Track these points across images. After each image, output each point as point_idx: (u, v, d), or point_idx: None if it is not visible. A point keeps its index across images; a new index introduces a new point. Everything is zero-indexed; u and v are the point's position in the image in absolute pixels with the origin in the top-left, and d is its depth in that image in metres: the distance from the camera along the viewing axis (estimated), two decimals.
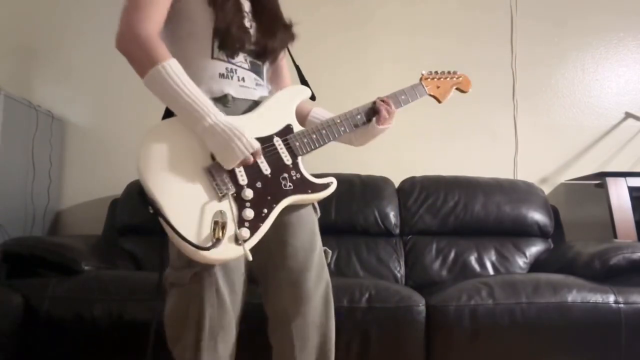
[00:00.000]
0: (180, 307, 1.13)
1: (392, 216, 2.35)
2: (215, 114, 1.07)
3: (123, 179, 2.41)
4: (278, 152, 1.17)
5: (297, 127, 1.22)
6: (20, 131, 2.35)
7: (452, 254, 2.27)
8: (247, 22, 1.23)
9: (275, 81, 1.39)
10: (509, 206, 2.34)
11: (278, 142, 1.18)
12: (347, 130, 1.27)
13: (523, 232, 2.34)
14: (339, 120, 1.26)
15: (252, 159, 1.10)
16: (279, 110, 1.23)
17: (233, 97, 1.19)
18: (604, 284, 1.73)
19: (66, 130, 2.69)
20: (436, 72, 1.43)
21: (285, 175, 1.16)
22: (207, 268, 1.09)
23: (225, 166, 1.09)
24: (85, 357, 1.69)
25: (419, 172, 2.49)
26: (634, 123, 2.67)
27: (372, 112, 1.32)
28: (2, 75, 2.57)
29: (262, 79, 1.29)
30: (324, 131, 1.24)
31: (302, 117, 1.36)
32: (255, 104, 1.22)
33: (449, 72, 1.45)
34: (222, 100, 1.17)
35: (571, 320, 1.66)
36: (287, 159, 1.17)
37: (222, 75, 1.19)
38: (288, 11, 1.36)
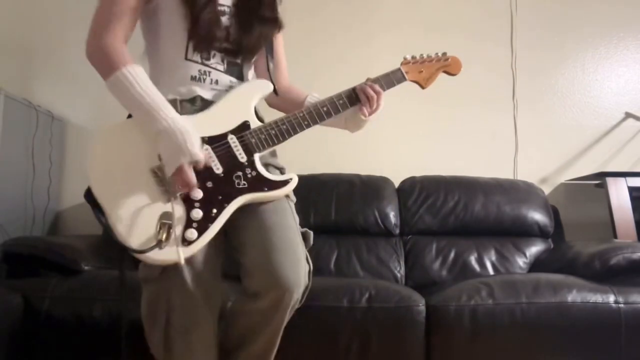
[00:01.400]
0: (152, 302, 1.13)
1: (392, 216, 2.34)
2: (170, 119, 1.06)
3: None
4: (232, 150, 1.14)
5: (254, 124, 1.18)
6: (20, 131, 2.35)
7: (452, 254, 2.26)
8: (226, 19, 1.20)
9: (278, 76, 1.35)
10: (509, 206, 2.34)
11: (232, 139, 1.15)
12: (312, 124, 1.22)
13: (523, 232, 2.34)
14: (301, 114, 1.21)
15: (188, 170, 1.06)
16: (235, 106, 1.19)
17: (202, 99, 1.18)
18: (604, 284, 1.73)
19: (66, 130, 2.69)
20: (421, 56, 1.36)
21: (239, 173, 1.14)
22: (174, 264, 1.07)
23: (166, 170, 1.07)
24: (85, 357, 1.69)
25: (419, 172, 2.49)
26: (634, 123, 2.67)
27: (354, 98, 1.26)
28: (2, 75, 2.57)
29: (242, 79, 1.26)
30: (284, 126, 1.19)
31: (298, 104, 1.32)
32: (209, 103, 1.19)
33: (436, 55, 1.37)
34: (191, 102, 1.17)
35: (571, 320, 1.66)
36: (242, 157, 1.15)
37: (194, 78, 1.18)
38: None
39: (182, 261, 1.04)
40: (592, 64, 2.75)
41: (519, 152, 2.70)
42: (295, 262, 1.13)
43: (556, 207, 2.47)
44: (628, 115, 2.68)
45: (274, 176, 1.17)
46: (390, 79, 1.30)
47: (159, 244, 1.03)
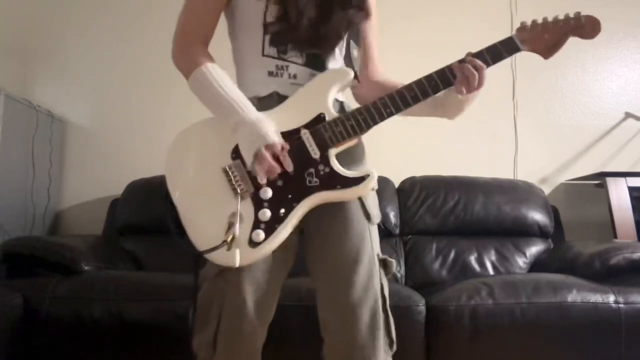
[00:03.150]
0: (205, 301, 1.11)
1: (392, 216, 2.34)
2: (244, 111, 1.05)
3: (123, 179, 2.41)
4: (305, 146, 1.06)
5: (330, 116, 1.08)
6: (20, 131, 2.35)
7: (452, 254, 2.26)
8: (307, 9, 1.12)
9: (366, 65, 1.28)
10: (509, 206, 2.34)
11: (305, 134, 1.07)
12: (395, 112, 1.08)
13: (523, 232, 2.34)
14: (383, 101, 1.08)
15: (267, 155, 1.02)
16: (310, 99, 1.10)
17: (279, 95, 1.13)
18: (604, 284, 1.73)
19: (66, 130, 2.69)
20: (545, 19, 1.13)
21: (312, 170, 1.05)
22: (231, 267, 1.04)
23: (246, 162, 1.05)
24: (85, 357, 1.69)
25: (419, 172, 2.49)
26: (634, 123, 2.67)
27: (449, 78, 1.11)
28: (2, 75, 2.57)
29: (324, 70, 1.17)
30: (362, 116, 1.07)
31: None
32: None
33: (566, 16, 1.13)
34: (267, 99, 1.12)
35: (571, 320, 1.66)
36: (315, 152, 1.06)
37: (271, 73, 1.14)
38: None
39: (237, 264, 1.01)
40: (592, 64, 2.75)
41: (519, 152, 2.70)
42: (362, 298, 1.07)
43: (556, 207, 2.47)
44: (628, 115, 2.68)
45: (349, 172, 1.06)
46: (499, 51, 1.11)
47: (223, 244, 1.00)
